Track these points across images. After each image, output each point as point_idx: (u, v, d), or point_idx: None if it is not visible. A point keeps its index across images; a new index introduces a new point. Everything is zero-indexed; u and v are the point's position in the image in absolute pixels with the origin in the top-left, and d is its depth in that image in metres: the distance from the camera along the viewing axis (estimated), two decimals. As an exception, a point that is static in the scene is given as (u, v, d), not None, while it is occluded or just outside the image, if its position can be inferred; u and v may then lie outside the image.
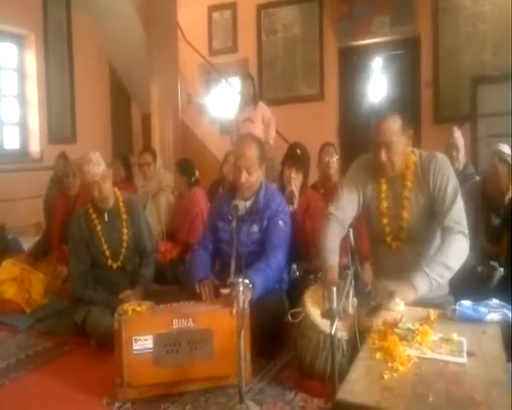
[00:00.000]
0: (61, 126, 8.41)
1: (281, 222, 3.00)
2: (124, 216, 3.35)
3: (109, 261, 3.31)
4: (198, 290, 2.83)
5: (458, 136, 4.01)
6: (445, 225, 2.38)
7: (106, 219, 3.32)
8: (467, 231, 2.37)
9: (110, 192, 3.30)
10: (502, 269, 2.91)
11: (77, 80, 8.65)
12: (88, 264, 3.32)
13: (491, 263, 2.98)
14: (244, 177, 2.93)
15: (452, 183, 2.44)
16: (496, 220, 3.17)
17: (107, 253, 3.30)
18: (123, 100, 9.33)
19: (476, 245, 2.69)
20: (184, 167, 4.67)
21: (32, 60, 8.14)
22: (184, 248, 4.10)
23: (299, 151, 3.70)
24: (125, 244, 3.33)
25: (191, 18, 9.08)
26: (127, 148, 8.90)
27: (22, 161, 7.85)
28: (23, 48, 8.13)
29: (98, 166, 3.19)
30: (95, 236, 3.30)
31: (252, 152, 2.95)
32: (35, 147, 8.12)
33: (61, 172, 4.89)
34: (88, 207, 3.34)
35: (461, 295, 2.14)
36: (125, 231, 3.34)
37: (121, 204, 3.37)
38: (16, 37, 8.01)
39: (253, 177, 2.96)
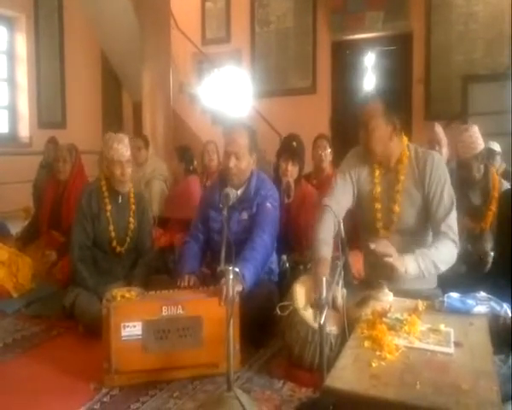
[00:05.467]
0: (50, 111, 8.34)
1: (268, 204, 2.99)
2: (133, 207, 3.39)
3: (114, 243, 3.32)
4: (179, 284, 2.85)
5: (440, 131, 4.09)
6: (440, 230, 2.41)
7: (120, 201, 3.34)
8: (458, 240, 2.42)
9: (129, 178, 3.33)
10: (492, 253, 2.97)
11: (67, 65, 8.57)
12: (90, 240, 3.31)
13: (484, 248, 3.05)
14: (233, 162, 2.92)
15: (448, 188, 2.47)
16: (475, 198, 3.26)
17: (113, 234, 3.31)
18: (114, 87, 9.27)
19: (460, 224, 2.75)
20: (184, 155, 4.68)
21: (22, 43, 8.06)
22: (176, 235, 4.12)
23: (295, 143, 3.70)
24: (130, 233, 3.36)
25: (184, 6, 9.04)
26: (118, 135, 8.82)
27: (11, 145, 7.79)
28: (13, 30, 8.05)
29: (127, 149, 3.27)
30: (102, 215, 3.30)
31: (241, 139, 2.95)
32: (24, 131, 8.05)
33: (51, 158, 4.85)
34: (101, 185, 3.34)
35: (451, 284, 2.18)
36: (131, 220, 3.37)
37: (132, 195, 3.41)
38: (6, 19, 7.92)
39: (242, 163, 2.95)
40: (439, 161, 2.52)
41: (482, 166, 3.27)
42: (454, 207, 2.44)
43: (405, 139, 2.56)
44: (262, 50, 8.92)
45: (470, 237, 3.20)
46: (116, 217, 3.33)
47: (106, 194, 3.32)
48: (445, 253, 2.35)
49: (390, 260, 2.14)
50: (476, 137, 3.27)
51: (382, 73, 8.21)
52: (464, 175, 3.27)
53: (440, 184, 2.45)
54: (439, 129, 4.10)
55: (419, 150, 2.56)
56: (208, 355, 2.55)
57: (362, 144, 2.54)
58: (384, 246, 2.22)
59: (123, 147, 3.24)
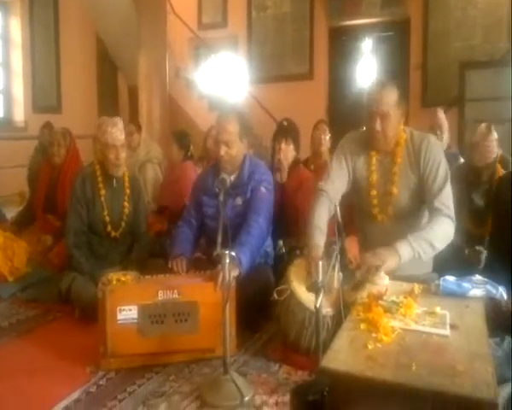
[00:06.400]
0: (45, 96, 8.29)
1: (263, 189, 3.00)
2: (127, 191, 3.38)
3: (108, 227, 3.30)
4: (170, 266, 2.85)
5: (442, 116, 4.08)
6: (434, 207, 2.40)
7: (114, 185, 3.33)
8: (453, 217, 2.40)
9: (123, 162, 3.31)
10: (486, 251, 2.95)
11: (62, 49, 8.51)
12: (85, 225, 3.29)
13: (477, 248, 3.02)
14: (223, 150, 2.93)
15: (443, 166, 2.46)
16: (479, 202, 3.22)
17: (107, 219, 3.29)
18: (109, 71, 9.21)
19: (460, 227, 2.72)
20: (182, 139, 4.66)
21: (17, 27, 8.00)
22: (173, 220, 4.10)
23: (285, 123, 3.82)
24: (125, 217, 3.34)
25: (181, -9, 8.95)
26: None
27: (6, 129, 7.74)
28: (8, 14, 7.97)
29: (121, 132, 3.25)
30: (97, 199, 3.29)
31: (231, 126, 2.94)
32: (19, 116, 8.01)
33: (46, 142, 4.82)
34: (96, 169, 3.32)
35: (446, 274, 2.17)
36: (126, 204, 3.35)
37: (127, 179, 3.40)
38: (1, 3, 7.84)
39: (233, 150, 2.96)
40: (434, 143, 2.53)
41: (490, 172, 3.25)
42: (448, 184, 2.43)
43: (402, 123, 2.56)
44: (259, 36, 8.85)
45: (468, 239, 3.18)
46: (110, 201, 3.31)
47: (100, 178, 3.30)
48: (440, 231, 2.34)
49: (387, 282, 2.11)
50: (494, 145, 3.24)
51: (380, 59, 8.17)
52: (471, 179, 3.24)
53: (435, 163, 2.45)
54: (441, 114, 4.10)
55: (414, 133, 2.57)
56: (204, 340, 2.55)
57: (371, 130, 2.49)
58: (370, 259, 2.19)
59: (117, 131, 3.22)
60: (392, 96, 2.45)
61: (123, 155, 3.26)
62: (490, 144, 3.24)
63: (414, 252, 2.25)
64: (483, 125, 3.33)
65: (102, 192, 3.29)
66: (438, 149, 2.52)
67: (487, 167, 3.22)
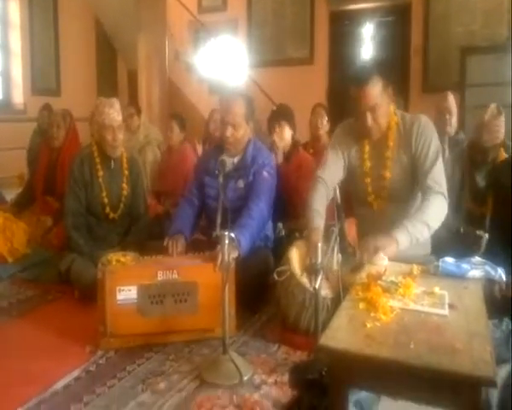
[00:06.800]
0: (44, 78, 8.25)
1: (265, 173, 3.00)
2: (126, 172, 3.37)
3: (107, 209, 3.30)
4: (165, 244, 2.84)
5: (451, 100, 4.04)
6: (426, 185, 2.40)
7: (112, 167, 3.31)
8: (446, 193, 2.40)
9: (121, 143, 3.30)
10: (487, 235, 2.95)
11: (61, 32, 8.46)
12: (83, 207, 3.29)
13: (478, 232, 3.02)
14: (229, 132, 2.93)
15: (434, 145, 2.46)
16: (481, 182, 3.22)
17: (106, 201, 3.29)
18: (109, 54, 9.16)
19: (461, 207, 2.72)
20: (182, 122, 4.65)
21: (15, 9, 7.94)
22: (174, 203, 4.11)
23: (277, 108, 3.95)
24: (123, 199, 3.34)
25: (180, -27, 8.86)
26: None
27: (5, 111, 7.72)
28: (6, -4, 7.90)
29: (118, 113, 3.23)
30: (95, 181, 3.29)
31: (238, 108, 2.94)
32: (18, 98, 7.98)
33: (45, 124, 4.80)
34: (93, 151, 3.31)
35: (446, 251, 2.18)
36: (125, 186, 3.35)
37: (125, 160, 3.38)
38: (-1, -16, 7.77)
39: (239, 133, 2.96)
40: (426, 122, 2.51)
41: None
42: (440, 161, 2.43)
43: (392, 104, 2.55)
44: (258, 19, 8.79)
45: (469, 219, 3.18)
46: (109, 183, 3.31)
47: (97, 160, 3.29)
48: (434, 210, 2.34)
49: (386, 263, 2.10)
50: (503, 126, 3.24)
51: (380, 44, 8.12)
52: (477, 158, 3.24)
53: (427, 141, 2.45)
54: (450, 98, 4.07)
55: (405, 115, 2.56)
56: (204, 320, 2.57)
57: (364, 125, 2.48)
58: (368, 245, 2.19)
59: (114, 111, 3.20)
60: (377, 88, 2.41)
61: (120, 136, 3.25)
62: (500, 124, 3.24)
63: (411, 237, 2.26)
64: (493, 106, 3.31)
65: (100, 173, 3.29)
66: (429, 127, 2.51)
67: (494, 148, 3.22)
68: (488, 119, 3.25)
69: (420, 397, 1.36)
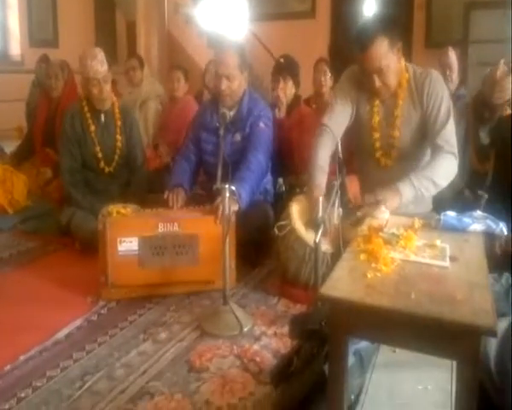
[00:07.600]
0: (42, 30, 8.10)
1: (262, 124, 2.97)
2: (118, 123, 3.31)
3: (101, 164, 3.27)
4: (166, 196, 2.83)
5: (452, 56, 3.98)
6: (436, 144, 2.36)
7: (102, 120, 3.25)
8: (456, 153, 2.37)
9: (109, 95, 3.24)
10: (486, 195, 2.94)
11: (59, -18, 8.24)
12: (78, 163, 3.27)
13: (479, 192, 3.01)
14: (225, 84, 2.88)
15: (446, 103, 2.40)
16: (485, 139, 3.19)
17: (100, 155, 3.26)
18: (107, 5, 8.91)
19: (465, 164, 2.69)
20: (186, 74, 4.57)
21: (11, -42, 7.71)
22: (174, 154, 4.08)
23: (282, 60, 3.81)
24: (118, 151, 3.30)
25: None
26: (111, 55, 8.57)
27: (3, 63, 7.64)
28: None
29: (102, 64, 3.14)
30: (87, 136, 3.25)
31: (231, 59, 2.89)
32: (16, 49, 7.87)
33: (43, 76, 4.72)
34: (83, 105, 3.26)
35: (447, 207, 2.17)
36: (118, 137, 3.30)
37: (117, 110, 3.32)
38: None
39: (234, 84, 2.91)
40: (437, 78, 2.45)
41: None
42: (451, 121, 2.38)
43: (403, 60, 2.48)
44: (260, -29, 8.53)
45: (473, 177, 3.15)
46: (101, 136, 3.26)
47: (88, 114, 3.24)
48: (443, 168, 2.32)
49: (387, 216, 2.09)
50: (510, 82, 3.18)
51: (384, -2, 7.91)
52: (484, 115, 3.19)
53: (438, 98, 2.39)
54: (452, 54, 4.01)
55: (417, 70, 2.49)
56: (204, 272, 2.59)
57: (372, 87, 2.40)
58: (371, 198, 2.18)
59: (97, 63, 3.11)
60: (383, 48, 2.31)
61: (106, 87, 3.18)
62: (510, 81, 3.18)
63: (416, 190, 2.24)
64: (502, 63, 3.25)
65: (92, 128, 3.24)
66: (441, 84, 2.45)
67: (502, 105, 3.17)
68: (501, 76, 3.19)
69: (420, 347, 1.37)
